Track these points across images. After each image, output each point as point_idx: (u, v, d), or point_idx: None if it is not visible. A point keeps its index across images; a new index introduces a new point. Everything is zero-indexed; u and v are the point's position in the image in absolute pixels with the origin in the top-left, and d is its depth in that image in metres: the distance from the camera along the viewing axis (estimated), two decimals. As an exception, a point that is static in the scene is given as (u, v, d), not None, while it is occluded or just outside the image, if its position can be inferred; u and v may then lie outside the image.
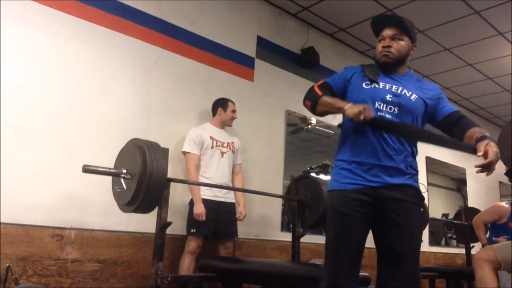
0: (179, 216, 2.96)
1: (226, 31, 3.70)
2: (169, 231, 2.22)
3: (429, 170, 5.66)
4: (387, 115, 1.74)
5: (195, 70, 3.42)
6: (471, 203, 6.06)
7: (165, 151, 2.09)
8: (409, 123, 1.76)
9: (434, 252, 5.41)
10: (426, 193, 1.85)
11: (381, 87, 1.79)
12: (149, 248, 2.75)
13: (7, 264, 2.29)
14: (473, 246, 4.40)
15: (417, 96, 1.78)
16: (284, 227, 3.80)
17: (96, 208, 2.70)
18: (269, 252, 3.62)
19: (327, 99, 1.79)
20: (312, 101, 1.84)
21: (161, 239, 2.15)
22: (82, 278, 2.58)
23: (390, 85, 1.79)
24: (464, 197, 6.35)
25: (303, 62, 4.23)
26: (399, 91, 1.77)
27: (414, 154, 1.80)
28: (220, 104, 3.21)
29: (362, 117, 1.58)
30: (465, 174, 6.36)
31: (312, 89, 1.88)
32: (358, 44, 4.80)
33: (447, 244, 5.97)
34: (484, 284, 2.56)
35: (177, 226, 2.84)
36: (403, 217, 1.69)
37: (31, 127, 2.55)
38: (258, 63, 3.92)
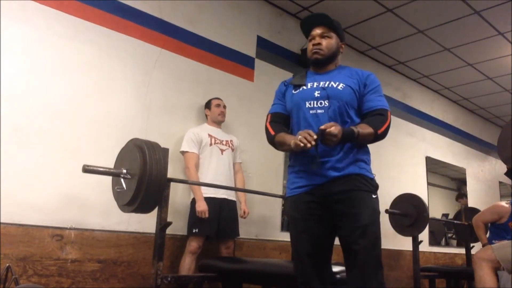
0: (179, 216, 2.96)
1: (226, 31, 3.70)
2: (169, 231, 2.22)
3: (429, 170, 5.64)
4: (319, 111, 1.77)
5: (195, 70, 3.42)
6: (471, 203, 6.05)
7: (165, 151, 2.09)
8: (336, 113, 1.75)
9: (434, 252, 5.41)
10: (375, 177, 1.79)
11: (308, 87, 1.84)
12: (149, 248, 2.75)
13: (7, 264, 2.29)
14: (473, 246, 4.40)
15: (344, 85, 1.80)
16: (284, 227, 3.80)
17: (96, 208, 2.70)
18: (269, 252, 3.62)
19: (278, 139, 1.84)
20: (271, 143, 1.92)
21: (161, 239, 2.15)
22: (82, 278, 2.58)
23: (318, 82, 1.84)
24: (464, 197, 6.34)
25: (303, 62, 4.22)
26: (326, 85, 1.81)
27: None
28: (205, 106, 3.27)
29: (302, 145, 1.57)
30: (465, 174, 6.34)
31: (266, 128, 1.94)
32: (358, 44, 4.80)
33: (447, 244, 5.97)
34: (483, 284, 2.55)
35: (177, 226, 2.84)
36: (350, 206, 1.68)
37: (31, 127, 2.55)
38: (258, 63, 3.92)
